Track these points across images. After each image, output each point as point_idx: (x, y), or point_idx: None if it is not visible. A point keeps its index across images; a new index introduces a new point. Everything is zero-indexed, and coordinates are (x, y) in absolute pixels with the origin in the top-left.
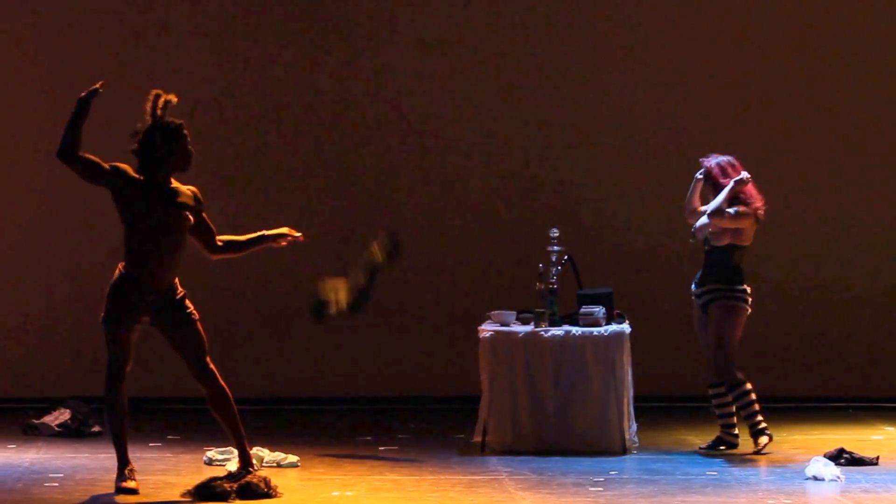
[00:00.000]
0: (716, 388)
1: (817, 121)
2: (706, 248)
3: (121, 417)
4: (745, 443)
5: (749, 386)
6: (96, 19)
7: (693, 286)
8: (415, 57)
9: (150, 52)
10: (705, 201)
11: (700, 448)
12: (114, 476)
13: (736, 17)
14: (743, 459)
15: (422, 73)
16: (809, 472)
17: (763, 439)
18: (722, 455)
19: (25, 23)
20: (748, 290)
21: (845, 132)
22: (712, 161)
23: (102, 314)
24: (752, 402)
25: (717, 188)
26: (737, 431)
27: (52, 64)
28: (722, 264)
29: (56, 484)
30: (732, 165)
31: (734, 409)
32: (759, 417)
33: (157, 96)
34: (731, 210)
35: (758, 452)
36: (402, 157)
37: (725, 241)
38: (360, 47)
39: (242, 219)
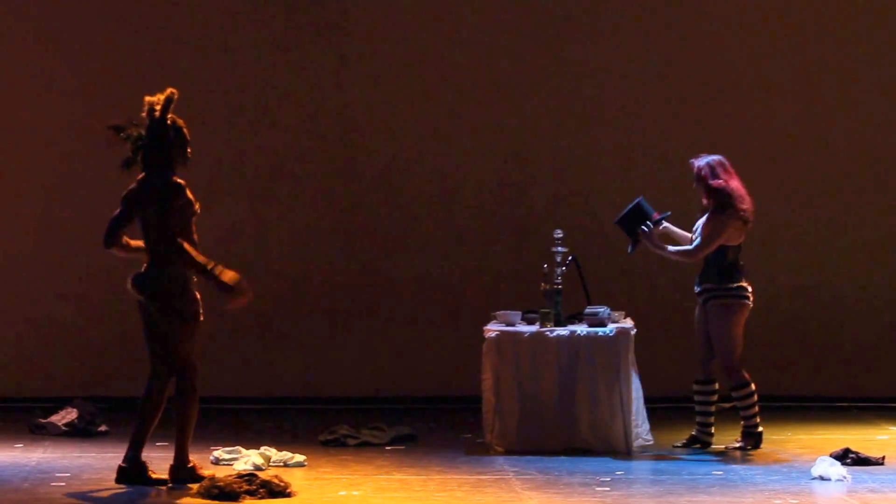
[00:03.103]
0: (700, 386)
1: (812, 126)
2: None
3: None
4: (720, 440)
5: (753, 387)
6: (102, 19)
7: (695, 284)
8: (417, 60)
9: (156, 50)
10: (700, 203)
11: (674, 446)
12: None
13: (737, 17)
14: (747, 459)
15: (425, 73)
16: (815, 471)
17: (752, 441)
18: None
19: (32, 22)
20: (745, 286)
21: (840, 138)
22: (702, 161)
23: (184, 314)
24: (754, 404)
25: (709, 190)
26: (713, 430)
27: (63, 63)
28: (717, 263)
29: (63, 483)
30: (723, 165)
31: (714, 409)
32: (758, 420)
33: (172, 94)
34: (691, 247)
35: (742, 448)
36: (406, 156)
37: (715, 246)
38: (356, 51)
39: (244, 216)
